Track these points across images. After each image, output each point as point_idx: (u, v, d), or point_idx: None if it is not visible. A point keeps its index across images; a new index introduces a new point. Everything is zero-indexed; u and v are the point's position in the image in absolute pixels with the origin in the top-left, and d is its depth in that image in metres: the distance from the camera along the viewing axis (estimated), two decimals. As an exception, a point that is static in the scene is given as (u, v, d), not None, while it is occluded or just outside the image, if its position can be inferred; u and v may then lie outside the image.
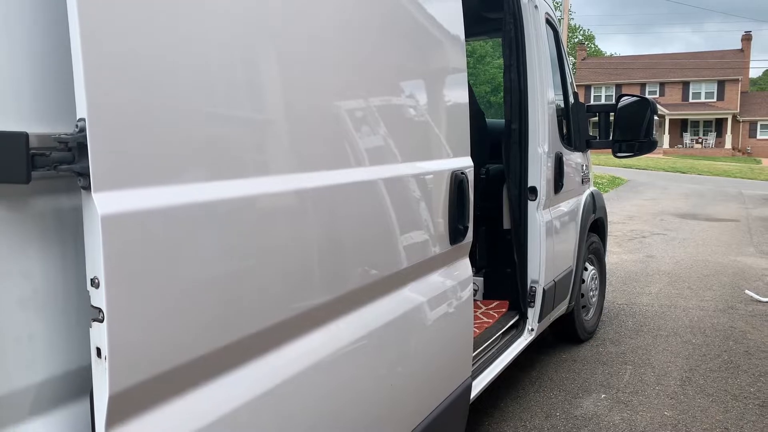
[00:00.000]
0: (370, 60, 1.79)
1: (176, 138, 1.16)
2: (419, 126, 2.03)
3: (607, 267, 5.42)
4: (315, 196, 1.55)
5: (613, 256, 7.77)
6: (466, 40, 2.39)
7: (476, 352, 3.13)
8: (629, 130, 4.36)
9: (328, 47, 1.61)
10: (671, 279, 6.84)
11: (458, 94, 2.29)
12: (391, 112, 1.89)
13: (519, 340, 3.56)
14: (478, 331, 3.36)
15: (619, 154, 4.45)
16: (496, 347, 3.35)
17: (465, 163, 2.25)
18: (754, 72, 71.79)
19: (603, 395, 3.85)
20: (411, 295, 1.98)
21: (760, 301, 5.84)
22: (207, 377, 1.23)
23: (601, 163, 22.40)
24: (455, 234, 2.16)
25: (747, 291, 6.12)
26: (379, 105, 1.83)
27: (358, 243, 1.72)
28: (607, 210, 5.60)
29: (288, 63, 1.48)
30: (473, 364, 3.03)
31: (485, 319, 3.58)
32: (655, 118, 4.33)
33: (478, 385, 2.94)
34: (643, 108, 4.35)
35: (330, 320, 1.63)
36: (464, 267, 2.33)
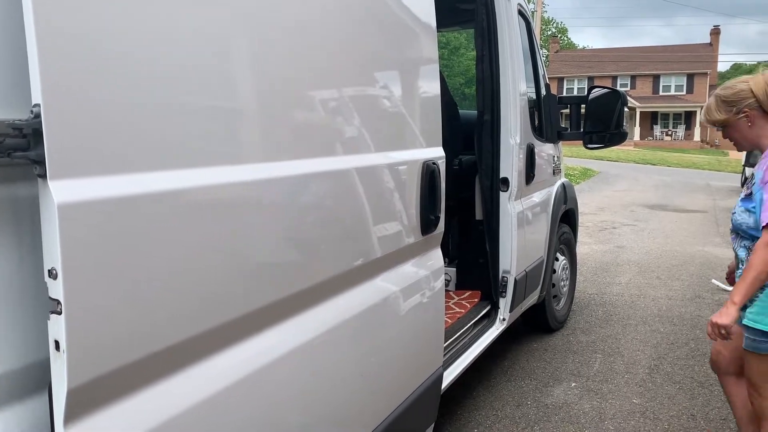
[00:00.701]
0: (341, 49, 1.77)
1: (137, 125, 1.12)
2: (391, 116, 2.01)
3: (577, 257, 5.48)
4: (285, 185, 1.52)
5: (584, 246, 7.86)
6: (438, 31, 2.38)
7: (448, 342, 3.14)
8: (600, 121, 4.41)
9: (299, 35, 1.59)
10: (640, 269, 6.94)
11: (430, 84, 2.28)
12: (363, 102, 1.88)
13: (491, 330, 3.58)
14: (450, 321, 3.37)
15: (589, 146, 4.49)
16: (468, 337, 3.37)
17: (437, 153, 2.24)
18: (722, 66, 73.09)
19: (573, 384, 3.90)
20: (382, 285, 1.97)
21: (725, 290, 5.95)
22: (170, 370, 1.21)
23: (573, 155, 22.64)
24: (427, 224, 2.15)
25: (713, 280, 6.24)
26: (351, 94, 1.82)
27: (328, 233, 1.70)
28: (579, 201, 5.66)
29: (256, 50, 1.45)
30: (445, 355, 3.03)
31: (457, 309, 3.59)
32: (625, 109, 4.37)
33: (451, 374, 2.95)
34: (614, 99, 4.39)
35: (301, 311, 1.62)
36: (436, 257, 2.32)
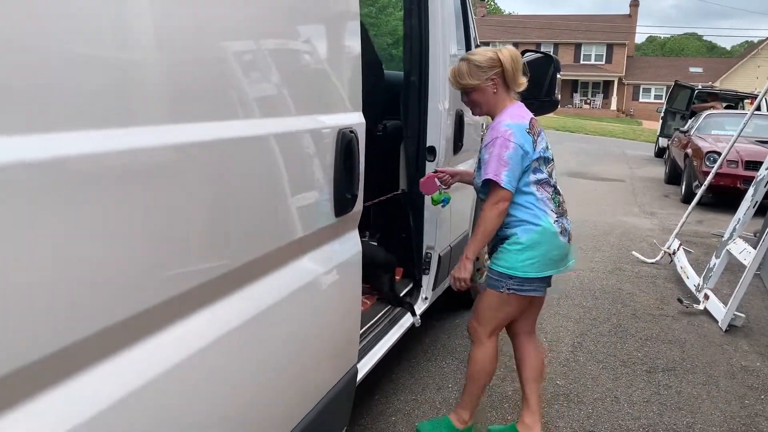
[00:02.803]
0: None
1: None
2: (298, 73, 1.64)
3: (502, 228, 5.31)
4: (146, 159, 1.14)
5: (507, 215, 7.76)
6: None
7: (367, 326, 2.88)
8: (531, 88, 4.15)
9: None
10: (562, 239, 6.90)
11: (348, 38, 1.91)
12: (262, 56, 1.50)
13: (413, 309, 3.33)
14: (369, 302, 3.09)
15: (520, 113, 4.26)
16: (389, 319, 3.10)
17: (355, 119, 1.90)
18: (639, 37, 75.47)
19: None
20: (286, 279, 1.63)
21: (645, 263, 5.98)
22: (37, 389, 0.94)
23: (497, 120, 22.71)
24: (342, 204, 1.82)
25: (633, 252, 6.26)
26: (244, 46, 1.44)
27: (213, 221, 1.33)
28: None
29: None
30: (364, 340, 2.76)
31: (378, 288, 3.31)
32: (558, 76, 4.15)
33: (371, 359, 2.69)
34: (546, 65, 4.14)
35: (180, 317, 1.27)
36: (352, 241, 2.00)
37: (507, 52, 2.54)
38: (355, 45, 1.92)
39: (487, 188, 2.49)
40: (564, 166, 14.01)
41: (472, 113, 2.71)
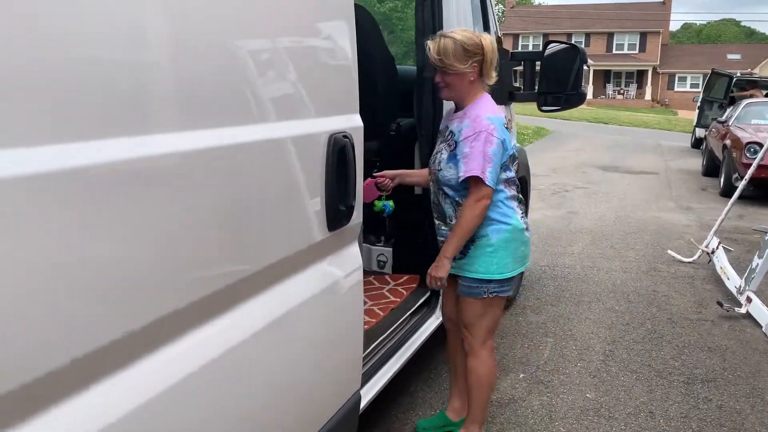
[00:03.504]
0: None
1: None
2: (280, 74, 1.47)
3: (529, 225, 5.08)
4: (112, 173, 1.01)
5: (535, 212, 7.50)
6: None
7: (379, 341, 2.70)
8: (556, 81, 3.93)
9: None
10: (594, 237, 6.62)
11: (340, 35, 1.72)
12: (241, 55, 1.34)
13: (430, 320, 3.15)
14: (382, 313, 2.92)
15: (544, 108, 4.02)
16: (404, 331, 2.92)
17: (350, 122, 1.72)
18: (674, 25, 73.65)
19: (522, 375, 3.52)
20: (276, 301, 1.46)
21: (682, 262, 5.68)
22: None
23: (527, 113, 22.31)
24: (336, 217, 1.65)
25: (669, 251, 5.95)
26: (217, 45, 1.28)
27: (188, 242, 1.19)
28: (532, 161, 5.24)
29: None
30: (375, 355, 2.59)
31: (392, 298, 3.13)
32: (585, 68, 3.90)
33: (383, 376, 2.52)
34: (572, 57, 3.91)
35: (151, 350, 1.14)
36: (350, 257, 1.82)
37: (489, 40, 2.39)
38: (348, 41, 1.73)
39: (466, 184, 2.37)
40: (597, 159, 13.63)
41: (439, 95, 2.54)
